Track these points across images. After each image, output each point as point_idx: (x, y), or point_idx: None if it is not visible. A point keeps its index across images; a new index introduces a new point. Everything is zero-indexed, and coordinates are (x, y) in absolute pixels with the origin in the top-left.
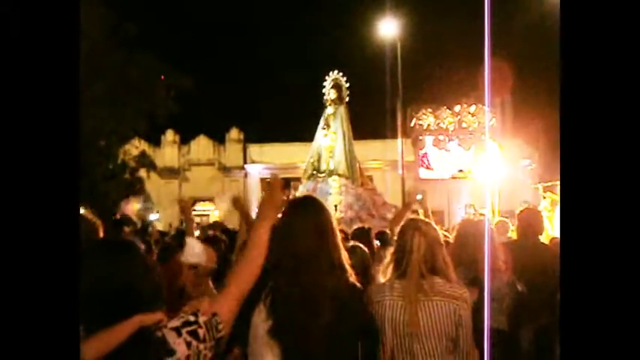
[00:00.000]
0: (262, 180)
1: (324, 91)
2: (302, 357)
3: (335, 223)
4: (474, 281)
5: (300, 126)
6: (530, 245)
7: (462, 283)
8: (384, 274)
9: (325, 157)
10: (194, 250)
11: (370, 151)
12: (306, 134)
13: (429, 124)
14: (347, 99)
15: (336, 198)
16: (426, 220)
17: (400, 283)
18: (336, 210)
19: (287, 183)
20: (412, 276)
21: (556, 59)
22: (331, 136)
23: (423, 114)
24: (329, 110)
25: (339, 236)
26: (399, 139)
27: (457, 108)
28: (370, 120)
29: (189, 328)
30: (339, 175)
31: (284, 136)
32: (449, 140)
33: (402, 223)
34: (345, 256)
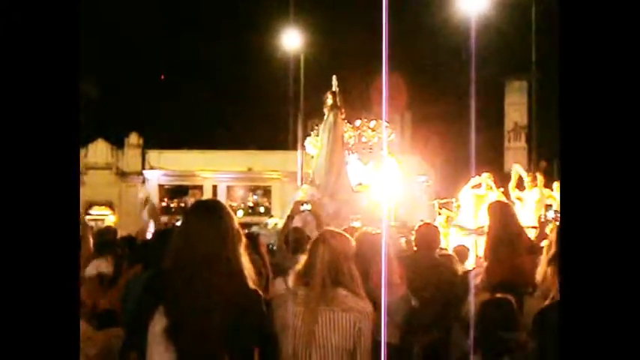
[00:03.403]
0: (160, 186)
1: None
2: (197, 357)
3: (237, 228)
4: (368, 294)
5: (200, 133)
6: (426, 260)
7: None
8: (291, 281)
9: (312, 166)
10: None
11: (270, 162)
12: (206, 142)
13: None
14: (340, 105)
15: None
16: (339, 232)
17: (304, 291)
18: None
19: (185, 190)
20: (315, 285)
21: (455, 77)
22: (315, 143)
23: None
24: (325, 117)
25: (240, 241)
26: (299, 151)
27: (357, 122)
28: (271, 131)
29: None
30: (313, 185)
31: (184, 142)
32: (349, 154)
33: (312, 239)
34: (245, 261)
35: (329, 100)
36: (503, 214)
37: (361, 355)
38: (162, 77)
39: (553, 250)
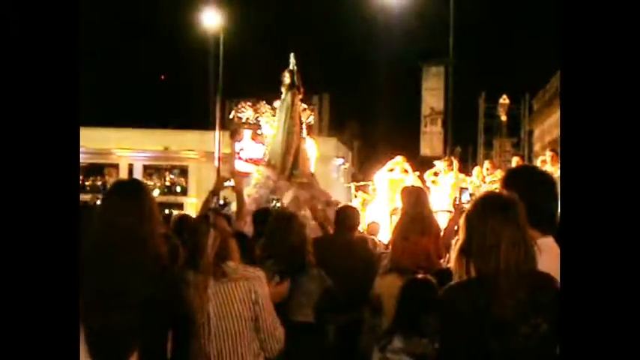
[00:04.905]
0: None
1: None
2: (108, 338)
3: (154, 209)
4: (284, 275)
5: (115, 111)
6: (344, 241)
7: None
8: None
9: (268, 147)
10: None
11: (187, 142)
12: (121, 119)
13: (247, 118)
14: (298, 84)
15: (251, 190)
16: (216, 212)
17: (192, 274)
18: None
19: (101, 169)
20: (205, 265)
21: (373, 61)
22: (271, 123)
23: (242, 107)
24: (282, 96)
25: (158, 223)
26: (217, 131)
27: (276, 103)
28: (188, 110)
29: None
30: (269, 167)
31: (99, 120)
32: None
33: (195, 220)
34: (162, 243)
35: (286, 79)
36: (416, 197)
37: (263, 319)
38: (163, 77)
39: (460, 237)
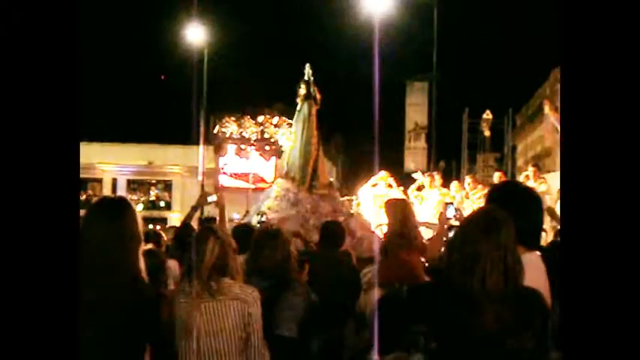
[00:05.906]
0: None
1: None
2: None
3: (136, 228)
4: (271, 292)
5: (98, 125)
6: (330, 256)
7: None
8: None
9: (286, 159)
10: None
11: (171, 157)
12: (105, 134)
13: (231, 133)
14: (314, 95)
15: (272, 203)
16: (221, 227)
17: (190, 285)
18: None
19: (84, 184)
20: (201, 278)
21: (358, 77)
22: (289, 135)
23: (227, 122)
24: (298, 108)
25: (139, 243)
26: (201, 146)
27: (260, 118)
28: (172, 125)
29: None
30: (288, 179)
31: (83, 135)
32: (251, 150)
33: (198, 231)
34: (140, 262)
35: (302, 90)
36: (400, 211)
37: (254, 340)
38: (163, 77)
39: (444, 252)
